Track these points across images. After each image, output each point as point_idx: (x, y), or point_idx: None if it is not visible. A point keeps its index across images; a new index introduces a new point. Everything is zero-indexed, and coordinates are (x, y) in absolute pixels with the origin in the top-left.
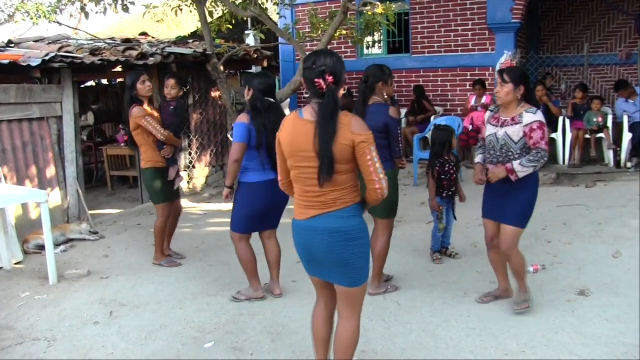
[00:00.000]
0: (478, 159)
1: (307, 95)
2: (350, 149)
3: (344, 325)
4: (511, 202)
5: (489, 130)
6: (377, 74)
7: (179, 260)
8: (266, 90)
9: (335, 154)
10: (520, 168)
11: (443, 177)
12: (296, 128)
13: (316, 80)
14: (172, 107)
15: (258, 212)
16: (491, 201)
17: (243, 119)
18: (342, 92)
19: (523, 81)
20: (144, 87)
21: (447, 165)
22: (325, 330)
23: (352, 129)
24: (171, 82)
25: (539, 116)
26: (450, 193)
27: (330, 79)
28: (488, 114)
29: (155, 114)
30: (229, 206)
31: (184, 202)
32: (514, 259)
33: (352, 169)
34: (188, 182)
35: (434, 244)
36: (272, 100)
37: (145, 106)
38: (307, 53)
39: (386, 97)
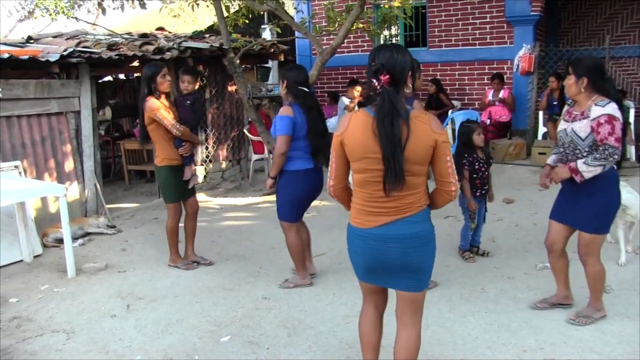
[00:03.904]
0: (549, 159)
1: (327, 89)
2: (431, 149)
3: (408, 332)
4: (585, 206)
5: (560, 125)
6: None
7: (204, 264)
8: (302, 82)
9: (415, 155)
10: (585, 167)
11: (475, 175)
12: (368, 129)
13: (371, 79)
14: (188, 102)
15: (302, 198)
16: (562, 202)
17: (287, 112)
18: (407, 90)
19: (587, 73)
20: (164, 81)
21: (477, 164)
22: (376, 334)
23: (434, 128)
24: (187, 77)
25: (609, 109)
26: (483, 192)
27: (385, 78)
28: (565, 108)
29: (172, 109)
30: (244, 200)
31: (201, 196)
32: (589, 267)
33: (427, 171)
34: (205, 176)
35: (464, 243)
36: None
37: (162, 100)
38: (324, 47)
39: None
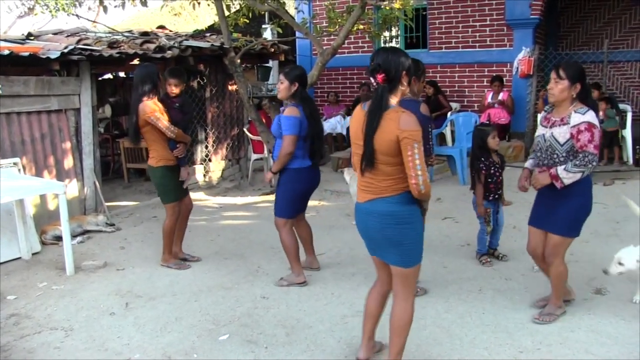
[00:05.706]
0: (527, 163)
1: (327, 89)
2: (395, 144)
3: (400, 305)
4: (559, 209)
5: (538, 131)
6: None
7: (193, 263)
8: (305, 84)
9: (380, 146)
10: (565, 174)
11: (489, 180)
12: (359, 119)
13: (370, 77)
14: (177, 104)
15: (300, 195)
16: (539, 208)
17: (294, 112)
18: (402, 88)
19: (580, 78)
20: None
21: (493, 168)
22: (377, 306)
23: (400, 125)
24: (173, 80)
25: (589, 117)
26: (497, 196)
27: (380, 77)
28: (542, 114)
29: (164, 109)
30: (244, 200)
31: (200, 195)
32: (554, 268)
33: (400, 162)
34: (204, 175)
35: (480, 247)
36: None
37: (156, 101)
38: (324, 48)
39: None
